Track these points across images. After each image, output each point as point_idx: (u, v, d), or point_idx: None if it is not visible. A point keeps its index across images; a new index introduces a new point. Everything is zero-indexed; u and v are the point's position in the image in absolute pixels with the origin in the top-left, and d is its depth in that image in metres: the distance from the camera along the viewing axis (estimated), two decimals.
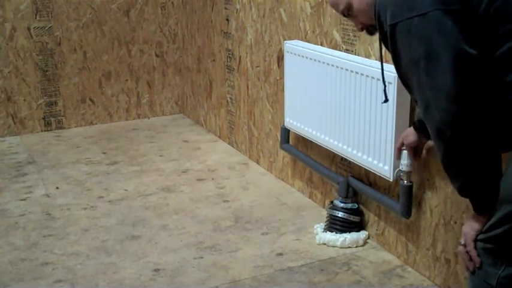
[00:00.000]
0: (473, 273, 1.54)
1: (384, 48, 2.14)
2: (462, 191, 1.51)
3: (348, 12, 1.66)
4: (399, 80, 2.15)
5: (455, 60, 1.37)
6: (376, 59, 2.43)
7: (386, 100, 1.89)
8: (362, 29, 1.70)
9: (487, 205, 1.48)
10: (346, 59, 2.50)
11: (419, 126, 1.96)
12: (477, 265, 1.51)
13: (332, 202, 2.70)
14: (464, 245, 1.54)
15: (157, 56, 4.44)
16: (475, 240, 1.52)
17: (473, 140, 1.41)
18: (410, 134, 2.03)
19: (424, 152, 2.22)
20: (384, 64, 2.29)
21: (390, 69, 2.21)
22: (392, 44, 1.46)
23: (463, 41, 1.37)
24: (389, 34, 1.45)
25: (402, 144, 2.11)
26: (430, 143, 2.18)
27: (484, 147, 1.43)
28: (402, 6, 1.42)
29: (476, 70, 1.38)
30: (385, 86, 1.83)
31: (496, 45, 1.39)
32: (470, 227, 1.53)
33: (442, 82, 1.38)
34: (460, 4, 1.38)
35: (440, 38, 1.37)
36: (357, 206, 2.65)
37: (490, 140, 1.43)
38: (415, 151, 2.13)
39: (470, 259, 1.53)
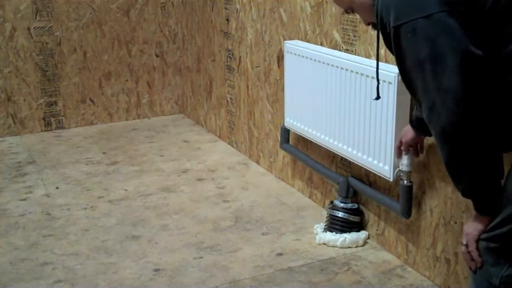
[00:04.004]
0: (475, 272, 1.54)
1: (383, 48, 2.14)
2: (466, 193, 1.50)
3: (351, 10, 1.68)
4: (399, 80, 2.18)
5: (461, 61, 1.37)
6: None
7: (378, 97, 1.90)
8: (368, 24, 1.69)
9: (490, 205, 1.48)
10: (346, 59, 2.50)
11: (416, 124, 1.96)
12: (479, 265, 1.51)
13: (332, 202, 2.70)
14: (466, 245, 1.54)
15: (157, 56, 4.44)
16: (477, 240, 1.51)
17: (479, 141, 1.41)
18: (408, 131, 2.03)
19: (424, 151, 2.22)
20: (383, 63, 2.30)
21: (390, 69, 2.23)
22: (396, 45, 1.46)
23: (469, 42, 1.37)
24: (393, 36, 1.45)
25: (401, 143, 2.10)
26: (430, 141, 2.18)
27: (489, 147, 1.42)
28: (406, 7, 1.42)
29: (483, 70, 1.38)
30: (378, 83, 1.84)
31: (501, 44, 1.39)
32: (473, 227, 1.52)
33: (448, 83, 1.37)
34: (465, 5, 1.38)
35: (446, 39, 1.37)
36: (357, 206, 2.65)
37: (493, 140, 1.43)
38: (415, 148, 2.13)
39: (472, 259, 1.53)
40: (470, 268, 1.55)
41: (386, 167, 2.33)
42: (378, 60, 1.78)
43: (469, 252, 1.53)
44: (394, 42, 1.46)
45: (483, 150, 1.42)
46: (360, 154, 2.48)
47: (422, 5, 1.40)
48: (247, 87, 3.51)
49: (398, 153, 2.19)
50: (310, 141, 2.86)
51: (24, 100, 4.13)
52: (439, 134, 1.44)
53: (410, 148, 2.12)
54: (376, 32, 1.73)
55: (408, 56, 1.44)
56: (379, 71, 1.82)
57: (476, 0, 1.39)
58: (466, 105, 1.38)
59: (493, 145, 1.43)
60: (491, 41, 1.39)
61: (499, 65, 1.40)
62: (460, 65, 1.37)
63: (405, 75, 1.50)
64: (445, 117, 1.39)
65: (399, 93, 2.20)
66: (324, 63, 2.62)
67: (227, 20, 3.63)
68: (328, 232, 2.64)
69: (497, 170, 1.45)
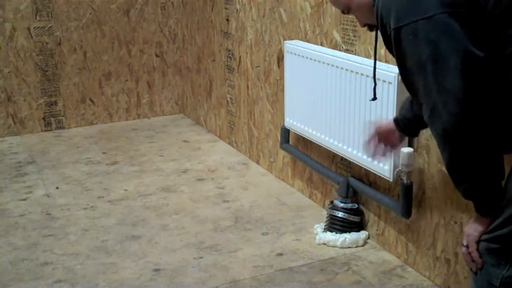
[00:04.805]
0: (476, 273, 1.53)
1: (383, 48, 2.14)
2: (467, 194, 1.50)
3: (347, 11, 1.68)
4: (399, 80, 2.18)
5: (463, 63, 1.36)
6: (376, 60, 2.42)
7: (374, 98, 1.87)
8: (364, 26, 1.70)
9: (491, 207, 1.48)
10: (346, 59, 2.50)
11: (402, 124, 1.84)
12: (479, 266, 1.51)
13: (332, 202, 2.70)
14: (467, 246, 1.54)
15: (157, 56, 4.44)
16: (478, 241, 1.51)
17: (480, 142, 1.40)
18: (391, 129, 1.90)
19: (424, 152, 2.22)
20: (383, 63, 2.30)
21: (390, 69, 2.23)
22: (397, 47, 1.45)
23: (470, 44, 1.36)
24: (394, 37, 1.44)
25: (378, 138, 1.94)
26: (430, 141, 2.18)
27: (490, 149, 1.42)
28: (407, 9, 1.41)
29: (484, 72, 1.38)
30: (375, 84, 1.83)
31: (503, 45, 1.39)
32: (474, 229, 1.52)
33: (450, 85, 1.37)
34: (466, 6, 1.38)
35: (447, 41, 1.37)
36: (357, 206, 2.65)
37: (495, 142, 1.42)
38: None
39: (473, 260, 1.53)
40: (471, 269, 1.55)
41: (386, 167, 2.33)
42: (375, 61, 1.77)
43: (469, 253, 1.53)
44: (395, 43, 1.45)
45: (484, 151, 1.42)
46: (360, 154, 2.48)
47: (423, 7, 1.39)
48: (247, 87, 3.51)
49: (372, 150, 1.97)
50: (310, 141, 2.86)
51: (24, 100, 4.13)
52: (440, 135, 1.43)
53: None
54: (370, 32, 1.73)
55: (409, 57, 1.44)
56: (379, 71, 1.82)
57: (478, 2, 1.38)
58: (467, 107, 1.37)
59: (494, 146, 1.43)
60: (493, 42, 1.39)
61: (501, 66, 1.40)
62: (462, 66, 1.36)
63: (406, 77, 1.49)
64: (446, 119, 1.39)
65: (399, 93, 2.20)
66: (324, 63, 2.62)
67: (227, 20, 3.63)
68: (328, 232, 2.64)
69: (498, 172, 1.45)
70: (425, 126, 1.71)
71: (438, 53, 1.38)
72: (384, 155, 2.00)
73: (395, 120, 1.89)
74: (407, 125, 1.84)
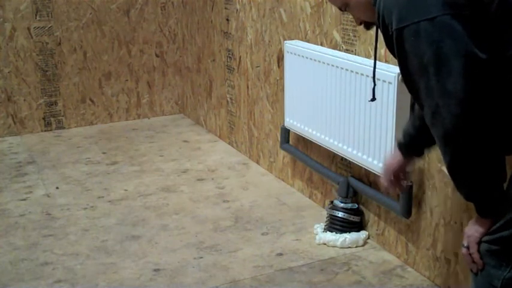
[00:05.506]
0: (476, 274, 1.53)
1: (383, 48, 2.14)
2: (469, 196, 1.49)
3: (345, 8, 1.67)
4: (399, 80, 2.18)
5: (466, 65, 1.35)
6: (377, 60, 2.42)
7: (373, 99, 1.87)
8: (360, 23, 1.69)
9: (492, 209, 1.47)
10: (346, 59, 2.50)
11: (410, 149, 1.83)
12: (480, 267, 1.51)
13: (332, 202, 2.70)
14: (467, 247, 1.53)
15: (157, 56, 4.44)
16: (479, 242, 1.51)
17: (483, 144, 1.40)
18: (401, 163, 1.86)
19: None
20: (383, 63, 2.30)
21: (390, 69, 2.23)
22: (399, 48, 1.44)
23: (473, 46, 1.35)
24: (396, 38, 1.43)
25: (394, 175, 1.90)
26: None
27: (492, 150, 1.42)
28: (409, 10, 1.40)
29: (487, 74, 1.37)
30: (374, 84, 1.83)
31: (505, 47, 1.38)
32: (475, 230, 1.52)
33: (453, 87, 1.36)
34: (470, 8, 1.37)
35: (450, 42, 1.35)
36: (357, 206, 2.65)
37: (497, 143, 1.42)
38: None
39: (474, 261, 1.53)
40: (471, 270, 1.54)
41: None
42: (375, 61, 1.77)
43: (470, 254, 1.53)
44: (397, 44, 1.44)
45: (486, 153, 1.41)
46: (360, 154, 2.48)
47: (425, 8, 1.37)
48: (247, 87, 3.51)
49: (393, 186, 1.93)
50: (310, 141, 2.86)
51: (24, 100, 4.13)
52: (442, 137, 1.42)
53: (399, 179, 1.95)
54: (366, 31, 1.71)
55: (411, 59, 1.42)
56: (379, 71, 1.81)
57: (481, 3, 1.37)
58: (470, 109, 1.37)
59: (496, 148, 1.42)
60: (495, 44, 1.38)
61: (503, 68, 1.39)
62: (464, 68, 1.35)
63: (407, 78, 1.48)
64: (448, 121, 1.38)
65: (399, 93, 2.20)
66: (324, 63, 2.62)
67: (227, 20, 3.63)
68: (328, 232, 2.64)
69: (500, 173, 1.44)
70: (429, 145, 1.74)
71: (441, 54, 1.37)
72: (402, 186, 1.95)
73: (399, 144, 1.85)
74: (410, 144, 1.81)
